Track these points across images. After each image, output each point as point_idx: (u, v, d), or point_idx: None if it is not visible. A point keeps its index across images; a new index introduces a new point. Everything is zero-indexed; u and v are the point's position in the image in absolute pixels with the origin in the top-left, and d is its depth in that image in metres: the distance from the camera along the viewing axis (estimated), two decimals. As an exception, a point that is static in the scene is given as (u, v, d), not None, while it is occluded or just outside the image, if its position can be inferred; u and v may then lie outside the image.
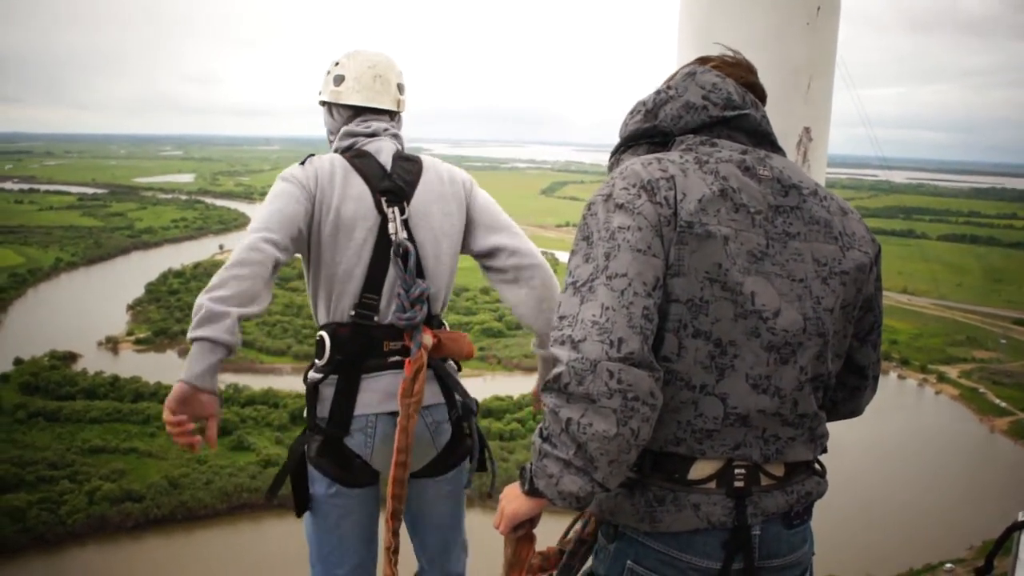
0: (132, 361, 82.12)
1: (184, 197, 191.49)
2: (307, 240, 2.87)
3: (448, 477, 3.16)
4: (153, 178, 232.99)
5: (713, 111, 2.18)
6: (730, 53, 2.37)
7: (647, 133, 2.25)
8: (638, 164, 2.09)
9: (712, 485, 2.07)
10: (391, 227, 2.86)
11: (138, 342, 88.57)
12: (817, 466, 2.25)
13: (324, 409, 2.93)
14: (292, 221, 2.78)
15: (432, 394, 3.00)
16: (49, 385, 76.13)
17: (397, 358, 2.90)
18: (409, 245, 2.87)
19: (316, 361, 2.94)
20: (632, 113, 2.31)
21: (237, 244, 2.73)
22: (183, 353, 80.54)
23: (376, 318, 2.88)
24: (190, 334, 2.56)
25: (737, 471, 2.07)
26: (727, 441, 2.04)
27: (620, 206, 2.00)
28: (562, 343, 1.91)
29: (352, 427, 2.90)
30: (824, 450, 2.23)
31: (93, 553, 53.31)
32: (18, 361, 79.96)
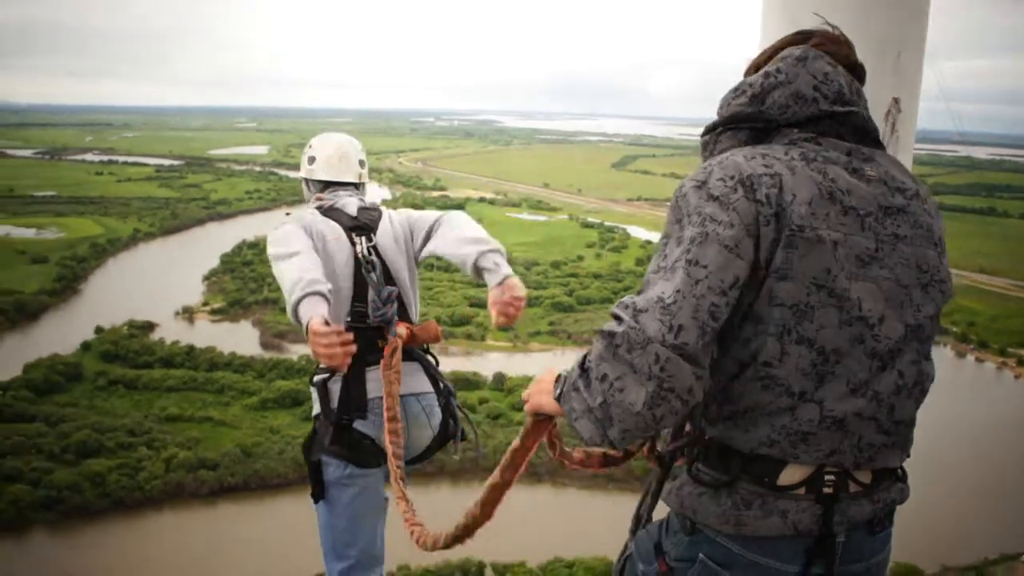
0: (207, 331, 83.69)
1: (258, 169, 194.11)
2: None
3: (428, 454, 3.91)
4: (228, 150, 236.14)
5: (823, 104, 2.12)
6: (828, 26, 2.29)
7: (750, 118, 2.17)
8: (740, 156, 2.05)
9: (801, 491, 2.06)
10: (358, 250, 3.68)
11: (213, 312, 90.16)
12: (900, 471, 2.24)
13: (334, 401, 3.62)
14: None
15: (421, 383, 3.78)
16: (128, 353, 78.03)
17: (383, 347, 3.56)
18: (375, 259, 3.68)
19: (321, 364, 3.42)
20: (736, 93, 2.23)
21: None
22: (257, 323, 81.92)
23: (367, 321, 3.61)
24: (299, 294, 3.18)
25: (827, 477, 2.05)
26: (822, 446, 2.02)
27: (715, 197, 1.97)
28: (626, 307, 1.94)
29: (368, 408, 3.60)
30: (909, 455, 2.21)
31: (169, 518, 54.60)
32: (99, 330, 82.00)
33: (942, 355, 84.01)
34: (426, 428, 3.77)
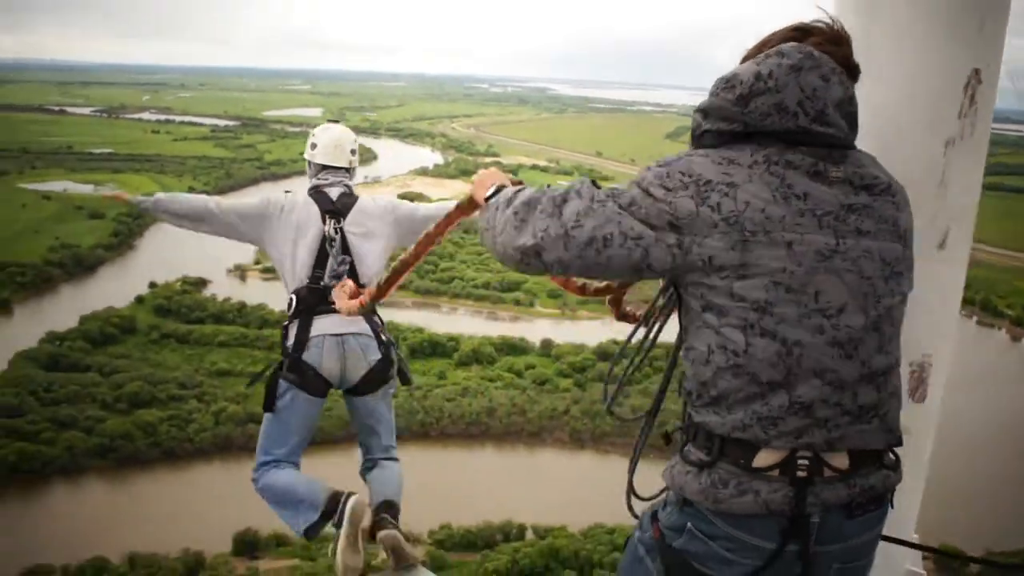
0: (259, 289, 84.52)
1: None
2: (280, 239, 4.71)
3: (378, 393, 4.74)
4: (282, 111, 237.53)
5: (802, 120, 2.22)
6: (828, 20, 2.38)
7: (731, 117, 2.27)
8: (708, 160, 2.23)
9: (775, 473, 2.19)
10: (326, 229, 4.61)
11: (265, 271, 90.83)
12: (891, 457, 2.33)
13: (291, 339, 4.55)
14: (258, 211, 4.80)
15: (361, 326, 4.56)
16: (181, 309, 79.24)
17: (334, 305, 3.92)
18: (336, 237, 4.60)
19: (288, 312, 4.61)
20: (727, 85, 2.31)
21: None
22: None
23: (322, 283, 4.55)
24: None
25: (800, 461, 2.18)
26: (791, 430, 2.16)
27: (663, 185, 2.21)
28: (572, 189, 2.37)
29: (309, 345, 4.49)
30: (898, 442, 2.33)
31: (218, 470, 55.49)
32: (152, 284, 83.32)
33: (997, 338, 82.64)
34: (362, 361, 4.58)
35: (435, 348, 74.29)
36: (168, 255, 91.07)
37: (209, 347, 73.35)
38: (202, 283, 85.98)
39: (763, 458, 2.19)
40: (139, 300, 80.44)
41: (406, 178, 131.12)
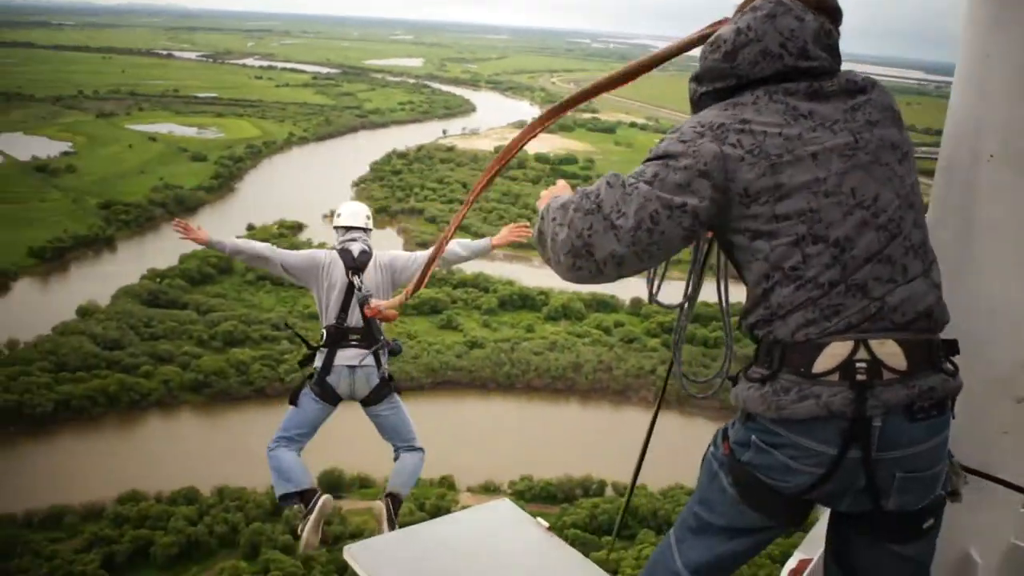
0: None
1: (412, 81, 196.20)
2: (318, 287, 5.85)
3: (383, 404, 5.92)
4: (383, 61, 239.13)
5: (788, 60, 2.39)
6: None
7: (723, 74, 2.46)
8: (713, 111, 2.41)
9: (835, 378, 2.27)
10: (355, 282, 5.75)
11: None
12: (949, 365, 2.39)
13: (319, 363, 5.79)
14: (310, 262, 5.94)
15: (368, 362, 5.73)
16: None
17: (355, 340, 5.74)
18: (359, 285, 5.72)
19: (320, 342, 5.81)
20: (712, 48, 2.50)
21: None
22: (402, 232, 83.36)
23: (346, 323, 5.76)
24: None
25: (859, 364, 2.26)
26: (852, 312, 2.28)
27: (683, 141, 2.37)
28: (606, 183, 2.46)
29: (332, 370, 5.73)
30: (955, 350, 2.42)
31: (306, 408, 56.42)
32: (250, 227, 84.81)
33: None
34: (365, 386, 5.81)
35: (525, 301, 74.39)
36: (266, 199, 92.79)
37: (302, 290, 74.07)
38: (298, 227, 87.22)
39: (823, 362, 2.28)
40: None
41: (504, 130, 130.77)
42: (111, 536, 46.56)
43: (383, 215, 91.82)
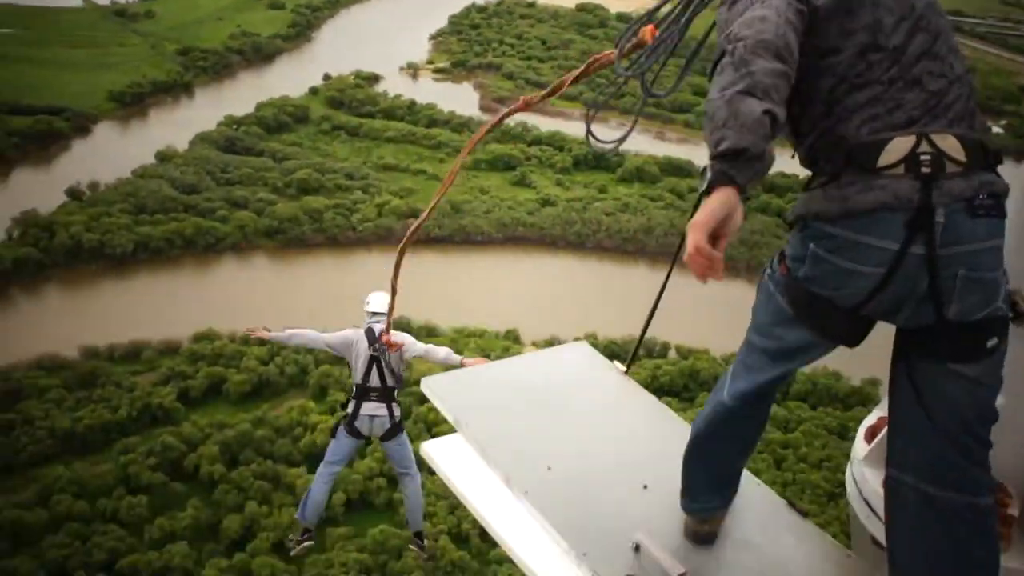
0: (429, 88, 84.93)
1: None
2: (351, 358, 7.33)
3: (394, 441, 7.51)
4: None
5: None
6: None
7: None
8: None
9: (900, 171, 2.34)
10: (370, 354, 7.18)
11: (437, 71, 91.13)
12: (991, 159, 2.44)
13: (351, 409, 7.29)
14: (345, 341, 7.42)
15: (382, 412, 7.27)
16: (352, 102, 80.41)
17: (375, 396, 7.21)
18: (378, 356, 7.15)
19: (351, 394, 7.34)
20: None
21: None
22: (478, 86, 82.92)
23: (368, 384, 7.21)
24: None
25: (923, 157, 2.33)
26: (913, 105, 2.40)
27: None
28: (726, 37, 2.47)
29: (359, 417, 7.25)
30: (998, 159, 2.46)
31: (377, 258, 56.92)
32: (326, 77, 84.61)
33: None
34: (380, 430, 7.40)
35: (599, 161, 73.42)
36: (343, 49, 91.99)
37: (377, 141, 74.52)
38: (374, 78, 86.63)
39: (887, 157, 2.35)
40: (313, 91, 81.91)
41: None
42: (187, 372, 48.25)
43: (460, 69, 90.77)
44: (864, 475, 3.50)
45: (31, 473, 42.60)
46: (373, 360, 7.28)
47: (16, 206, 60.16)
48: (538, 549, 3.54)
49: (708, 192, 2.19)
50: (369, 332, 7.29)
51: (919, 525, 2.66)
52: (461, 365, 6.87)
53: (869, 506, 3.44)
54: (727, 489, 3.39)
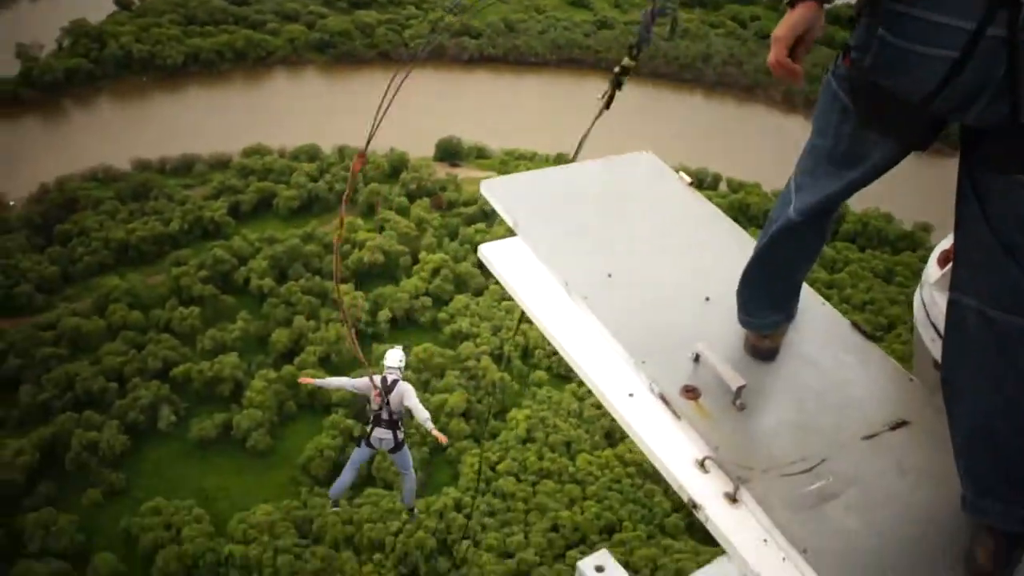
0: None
1: None
2: (371, 397, 9.33)
3: (397, 454, 9.71)
4: None
5: None
6: None
7: None
8: None
9: None
10: (382, 401, 9.27)
11: None
12: None
13: (369, 429, 9.46)
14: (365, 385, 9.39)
15: (387, 436, 9.36)
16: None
17: (384, 424, 9.25)
18: (386, 403, 9.25)
19: (370, 418, 9.44)
20: None
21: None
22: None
23: (379, 415, 9.31)
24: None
25: None
26: None
27: None
28: None
29: (372, 437, 9.43)
30: None
31: (430, 76, 56.12)
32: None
33: None
34: (387, 446, 9.32)
35: (661, -21, 71.04)
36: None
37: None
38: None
39: None
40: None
41: None
42: (237, 186, 48.72)
43: None
44: (934, 299, 3.49)
45: (88, 283, 43.92)
46: (384, 405, 9.45)
47: (65, 15, 59.75)
48: (595, 355, 3.53)
49: (792, 4, 2.24)
50: (383, 381, 9.30)
51: (978, 349, 2.61)
52: (430, 433, 9.35)
53: (936, 330, 3.40)
54: (788, 304, 3.43)
